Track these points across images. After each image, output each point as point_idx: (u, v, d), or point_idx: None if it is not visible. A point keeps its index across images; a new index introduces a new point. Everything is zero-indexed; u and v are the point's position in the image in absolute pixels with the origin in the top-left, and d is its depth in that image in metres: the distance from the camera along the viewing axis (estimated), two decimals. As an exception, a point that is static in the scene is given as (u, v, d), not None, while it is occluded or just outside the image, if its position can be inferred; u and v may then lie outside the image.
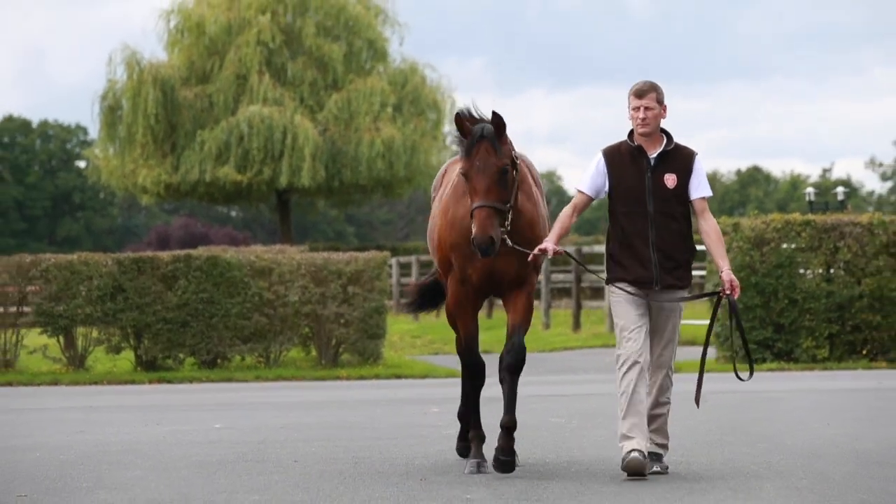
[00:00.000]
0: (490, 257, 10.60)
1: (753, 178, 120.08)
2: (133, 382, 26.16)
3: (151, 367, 27.40)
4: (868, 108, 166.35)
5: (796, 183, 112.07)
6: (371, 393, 22.18)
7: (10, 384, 26.30)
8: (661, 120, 10.80)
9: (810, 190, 58.56)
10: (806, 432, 13.58)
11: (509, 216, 10.77)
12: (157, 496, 10.56)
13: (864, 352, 25.42)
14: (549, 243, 10.70)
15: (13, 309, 27.87)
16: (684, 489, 9.63)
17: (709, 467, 11.46)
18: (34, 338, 28.49)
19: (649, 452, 10.70)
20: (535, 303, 25.82)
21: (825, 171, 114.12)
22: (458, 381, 12.28)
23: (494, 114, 10.82)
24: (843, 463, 11.80)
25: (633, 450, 10.52)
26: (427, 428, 15.34)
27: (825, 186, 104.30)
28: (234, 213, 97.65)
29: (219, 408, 19.37)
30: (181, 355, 27.64)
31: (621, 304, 10.83)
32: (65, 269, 27.55)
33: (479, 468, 11.18)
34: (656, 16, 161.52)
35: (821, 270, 26.26)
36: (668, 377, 10.96)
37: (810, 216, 27.54)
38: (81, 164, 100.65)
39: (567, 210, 10.94)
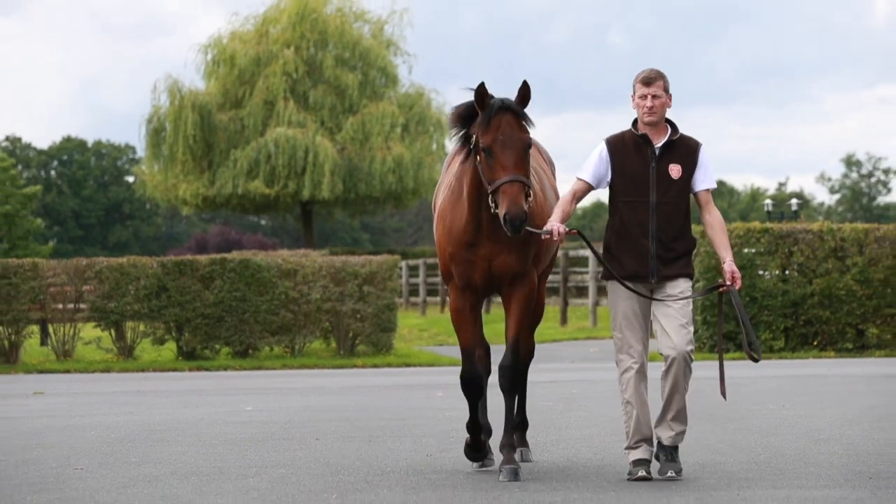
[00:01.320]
0: (517, 234, 8.88)
1: (718, 191, 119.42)
2: (175, 370, 26.18)
3: (191, 357, 27.42)
4: (818, 131, 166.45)
5: (756, 195, 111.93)
6: (383, 379, 22.17)
7: (68, 371, 26.34)
8: (667, 109, 9.35)
9: (768, 201, 58.60)
10: (765, 413, 13.60)
11: (531, 193, 9.15)
12: (196, 469, 10.56)
13: (815, 343, 25.49)
14: (555, 225, 9.06)
15: (71, 305, 27.90)
16: (655, 464, 9.61)
17: (681, 446, 11.42)
18: (89, 331, 28.47)
19: (666, 447, 9.43)
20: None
21: (781, 184, 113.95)
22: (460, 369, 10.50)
23: (524, 83, 9.23)
24: (797, 439, 11.81)
25: (640, 460, 9.34)
26: (433, 410, 15.36)
27: (781, 198, 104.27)
28: (263, 222, 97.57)
29: (250, 392, 19.38)
30: (217, 346, 27.68)
31: (620, 301, 9.34)
32: (116, 271, 27.56)
33: (517, 475, 9.44)
34: (634, 50, 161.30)
35: (777, 272, 26.40)
36: (687, 364, 9.20)
37: (768, 224, 27.60)
38: (130, 178, 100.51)
39: (567, 196, 9.42)
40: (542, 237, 9.21)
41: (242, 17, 54.38)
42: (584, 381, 19.81)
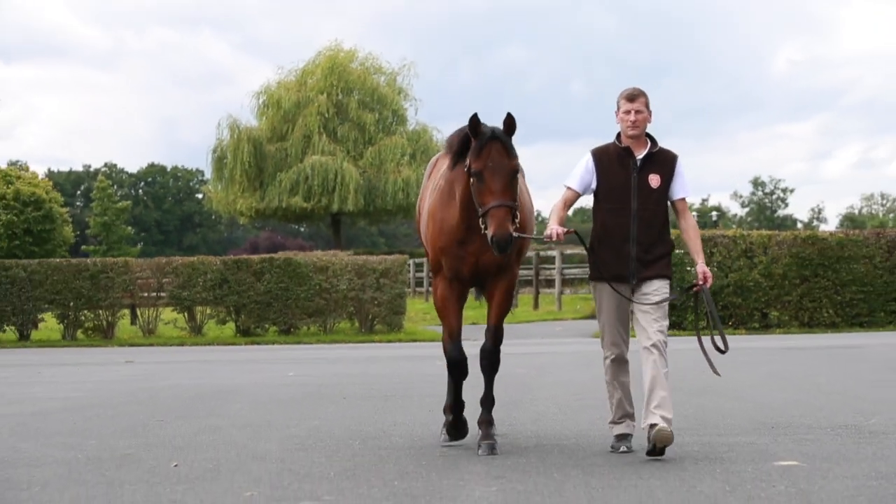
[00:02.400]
0: (503, 253, 7.90)
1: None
2: (234, 344, 26.19)
3: (246, 334, 27.45)
4: (733, 159, 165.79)
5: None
6: (395, 351, 22.19)
7: (151, 345, 26.37)
8: (648, 124, 8.24)
9: (694, 213, 58.59)
10: (691, 378, 13.59)
11: (518, 214, 8.05)
12: (250, 421, 10.58)
13: (730, 323, 25.53)
14: (554, 227, 8.06)
15: (154, 294, 28.00)
16: (601, 417, 9.59)
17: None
18: (168, 314, 28.60)
19: (653, 424, 8.06)
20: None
21: (704, 200, 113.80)
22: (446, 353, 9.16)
23: (508, 115, 8.11)
24: (716, 398, 11.82)
25: (622, 435, 8.44)
26: (433, 375, 15.35)
27: (704, 211, 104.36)
28: (301, 229, 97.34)
29: (291, 362, 19.39)
30: (266, 325, 27.71)
31: (604, 299, 8.30)
32: (188, 267, 27.63)
33: (492, 450, 8.37)
34: (591, 97, 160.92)
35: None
36: (661, 353, 8.15)
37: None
38: (199, 195, 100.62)
39: (559, 203, 8.32)
40: (545, 238, 8.08)
41: (286, 70, 54.50)
42: (551, 353, 19.81)
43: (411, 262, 44.60)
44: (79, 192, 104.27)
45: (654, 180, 8.18)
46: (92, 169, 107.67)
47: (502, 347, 8.70)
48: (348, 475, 7.56)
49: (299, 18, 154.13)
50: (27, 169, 61.07)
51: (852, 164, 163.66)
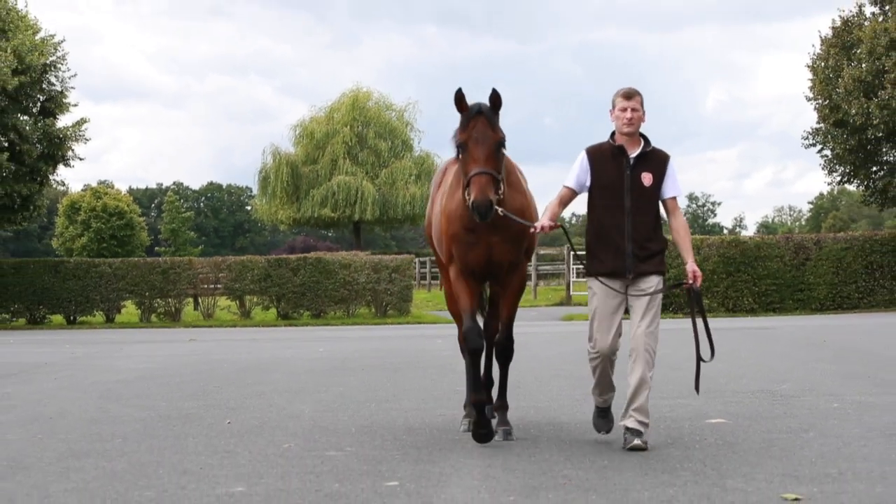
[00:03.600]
0: (486, 221, 6.48)
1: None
2: (276, 326, 26.16)
3: (286, 318, 27.41)
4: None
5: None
6: (404, 332, 22.15)
7: (210, 326, 26.32)
8: (642, 123, 6.88)
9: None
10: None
11: (502, 186, 6.64)
12: (288, 388, 10.54)
13: (671, 309, 25.45)
14: (543, 221, 6.68)
15: (212, 286, 27.99)
16: (582, 390, 9.56)
17: (586, 376, 11.37)
18: (223, 301, 28.59)
19: (630, 428, 6.60)
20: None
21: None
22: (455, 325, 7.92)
23: (493, 91, 6.74)
24: (662, 370, 11.76)
25: (600, 408, 7.09)
26: (435, 351, 15.34)
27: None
28: (329, 234, 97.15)
29: (321, 340, 19.35)
30: (301, 311, 27.67)
31: (597, 298, 6.78)
32: (239, 265, 27.62)
33: (506, 435, 7.07)
34: (561, 130, 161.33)
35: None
36: (649, 360, 6.72)
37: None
38: (248, 208, 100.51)
39: (554, 201, 6.86)
40: (530, 231, 6.75)
41: (317, 108, 54.37)
42: (528, 333, 19.75)
43: (417, 260, 44.46)
44: (153, 205, 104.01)
45: (647, 178, 6.75)
46: (164, 186, 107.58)
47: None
48: (366, 431, 7.53)
49: (327, 67, 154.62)
50: (112, 187, 61.21)
51: (767, 182, 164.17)
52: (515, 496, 5.28)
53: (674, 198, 6.84)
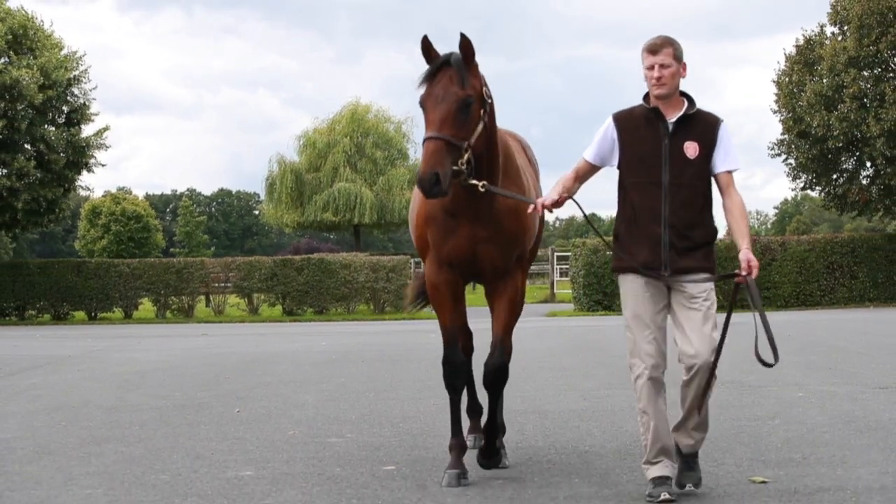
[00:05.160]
0: (437, 198, 4.73)
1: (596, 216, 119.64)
2: (281, 322, 26.09)
3: (291, 314, 27.35)
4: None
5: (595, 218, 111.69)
6: (400, 327, 22.13)
7: (221, 322, 26.23)
8: (680, 79, 4.81)
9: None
10: (621, 345, 13.53)
11: (466, 156, 4.78)
12: (293, 379, 10.53)
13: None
14: (551, 194, 4.92)
15: (222, 284, 27.96)
16: (566, 381, 9.56)
17: (569, 368, 11.39)
18: (233, 299, 28.53)
19: (684, 455, 4.90)
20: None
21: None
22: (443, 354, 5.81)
23: (462, 36, 4.79)
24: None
25: (661, 477, 4.75)
26: (428, 345, 15.30)
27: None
28: (331, 236, 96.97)
29: (324, 334, 19.32)
30: (305, 308, 27.60)
31: (631, 297, 4.84)
32: (248, 265, 27.55)
33: (458, 480, 5.12)
34: (546, 140, 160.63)
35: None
36: (712, 374, 4.99)
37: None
38: (256, 212, 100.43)
39: (569, 174, 4.97)
40: (528, 210, 4.94)
41: (320, 120, 54.35)
42: (515, 327, 19.74)
43: (412, 261, 44.56)
44: (168, 210, 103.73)
45: (692, 149, 4.78)
46: (178, 192, 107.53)
47: (476, 324, 6.30)
48: (365, 419, 7.53)
49: (329, 81, 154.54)
50: (131, 193, 61.17)
51: (736, 188, 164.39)
52: (503, 480, 5.30)
53: (729, 172, 4.86)
